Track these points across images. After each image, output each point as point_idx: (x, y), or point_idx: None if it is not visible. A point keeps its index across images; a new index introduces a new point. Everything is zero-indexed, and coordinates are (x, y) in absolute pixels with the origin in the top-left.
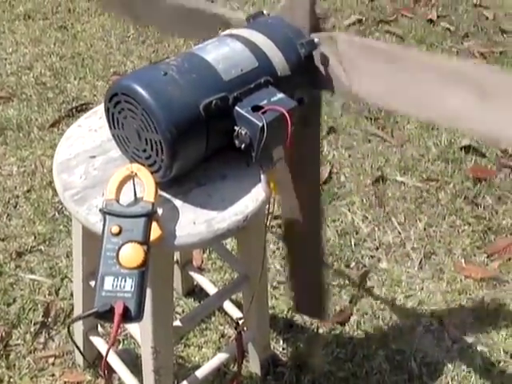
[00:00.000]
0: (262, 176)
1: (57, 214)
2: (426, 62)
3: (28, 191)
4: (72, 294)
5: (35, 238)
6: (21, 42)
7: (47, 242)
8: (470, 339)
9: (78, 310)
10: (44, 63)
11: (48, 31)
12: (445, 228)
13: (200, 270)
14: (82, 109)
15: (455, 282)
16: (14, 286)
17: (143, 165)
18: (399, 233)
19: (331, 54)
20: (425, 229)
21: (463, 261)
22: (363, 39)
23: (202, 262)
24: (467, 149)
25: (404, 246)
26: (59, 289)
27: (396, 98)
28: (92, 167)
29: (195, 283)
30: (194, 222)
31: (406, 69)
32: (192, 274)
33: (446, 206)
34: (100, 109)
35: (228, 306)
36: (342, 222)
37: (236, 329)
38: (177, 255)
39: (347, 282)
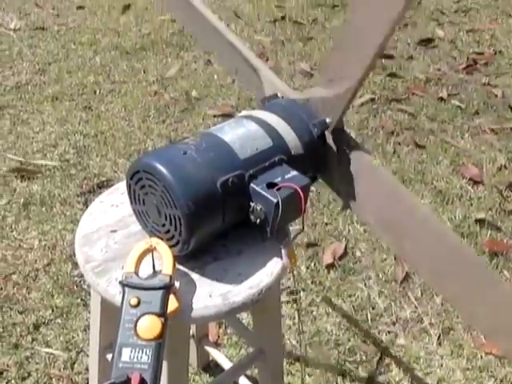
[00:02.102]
0: (283, 250)
1: (75, 287)
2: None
3: (48, 264)
4: (87, 368)
5: (53, 311)
6: (47, 121)
7: (64, 316)
8: None
9: None
10: (68, 141)
11: (73, 111)
12: None
13: (216, 344)
14: (103, 185)
15: (475, 358)
16: (30, 359)
17: (162, 239)
18: (416, 308)
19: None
20: (442, 304)
21: (483, 336)
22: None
23: (218, 336)
24: (482, 222)
25: (421, 322)
26: (74, 362)
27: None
28: (113, 241)
29: (211, 358)
30: (210, 295)
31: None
32: (208, 348)
33: None
34: (122, 185)
35: (243, 382)
36: (358, 296)
37: None
38: (193, 329)
39: (364, 358)
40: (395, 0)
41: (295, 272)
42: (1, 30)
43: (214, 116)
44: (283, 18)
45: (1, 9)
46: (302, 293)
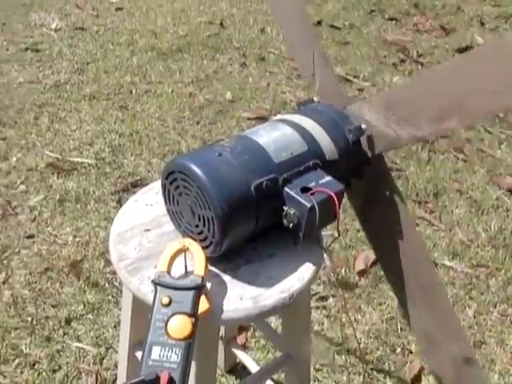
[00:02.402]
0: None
1: (107, 284)
2: None
3: (81, 260)
4: (116, 365)
5: (84, 306)
6: (84, 120)
7: (96, 311)
8: None
9: (121, 380)
10: (104, 140)
11: (110, 110)
12: (496, 316)
13: (244, 347)
14: (137, 184)
15: (508, 374)
16: (61, 352)
17: (195, 240)
18: None
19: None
20: (474, 316)
21: None
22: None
23: (247, 339)
24: None
25: None
26: (103, 358)
27: None
28: (146, 240)
29: (238, 360)
30: (241, 297)
31: None
32: (235, 351)
33: (496, 294)
34: (156, 185)
35: None
36: (388, 305)
37: None
38: (222, 331)
39: (393, 368)
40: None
41: (328, 277)
42: (43, 30)
43: (248, 119)
44: (319, 22)
45: (43, 9)
46: (331, 299)
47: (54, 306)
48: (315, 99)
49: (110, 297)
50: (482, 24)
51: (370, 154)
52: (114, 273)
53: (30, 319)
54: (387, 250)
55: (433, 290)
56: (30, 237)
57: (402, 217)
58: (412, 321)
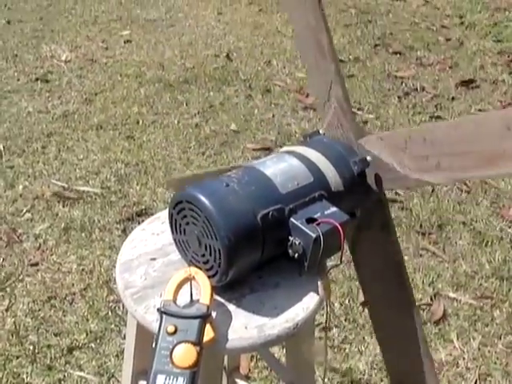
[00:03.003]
0: (319, 282)
1: (110, 312)
2: None
3: (84, 289)
4: None
5: (87, 335)
6: (91, 149)
7: (98, 340)
8: None
9: None
10: (110, 169)
11: (117, 140)
12: (501, 348)
13: (246, 378)
14: (142, 213)
15: None
16: (62, 382)
17: (201, 269)
18: (452, 351)
19: (384, 152)
20: (479, 348)
21: None
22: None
23: (249, 370)
24: None
25: (457, 366)
26: None
27: None
28: (152, 269)
29: None
30: (245, 326)
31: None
32: (238, 381)
33: (501, 325)
34: (162, 214)
35: None
36: None
37: None
38: (224, 360)
39: None
40: None
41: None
42: (53, 61)
43: (254, 150)
44: None
45: (54, 42)
46: (334, 329)
47: (56, 335)
48: (321, 131)
49: (112, 325)
50: (484, 58)
51: (375, 186)
52: (118, 301)
53: (31, 347)
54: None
55: (407, 334)
56: (34, 264)
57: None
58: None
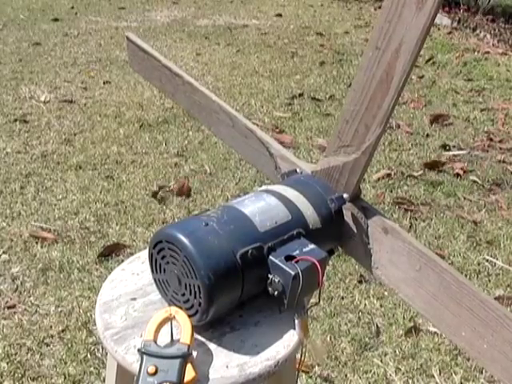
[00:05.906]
0: (296, 321)
1: (89, 355)
2: None
3: (63, 331)
4: None
5: (65, 378)
6: (70, 189)
7: None
8: None
9: None
10: (89, 209)
11: (96, 180)
12: (482, 383)
13: None
14: (122, 253)
15: None
16: None
17: (181, 308)
18: None
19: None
20: (461, 382)
21: None
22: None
23: None
24: (501, 299)
25: None
26: None
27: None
28: (132, 309)
29: None
30: (226, 365)
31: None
32: None
33: None
34: (142, 254)
35: None
36: (374, 373)
37: None
38: None
39: None
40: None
41: (309, 346)
42: (32, 102)
43: (233, 188)
44: (301, 94)
45: (33, 83)
46: (316, 367)
47: (33, 379)
48: (298, 170)
49: (92, 368)
50: (456, 96)
51: (351, 222)
52: (97, 343)
53: None
54: None
55: None
56: (11, 307)
57: None
58: None
